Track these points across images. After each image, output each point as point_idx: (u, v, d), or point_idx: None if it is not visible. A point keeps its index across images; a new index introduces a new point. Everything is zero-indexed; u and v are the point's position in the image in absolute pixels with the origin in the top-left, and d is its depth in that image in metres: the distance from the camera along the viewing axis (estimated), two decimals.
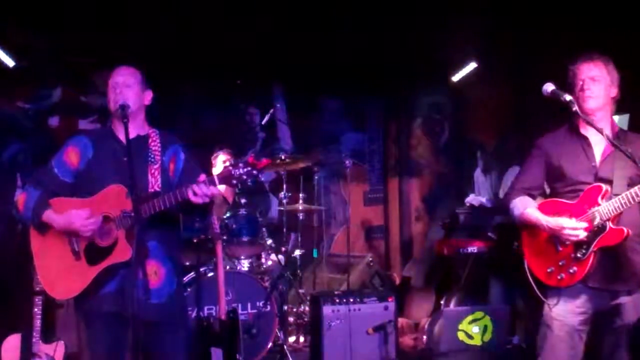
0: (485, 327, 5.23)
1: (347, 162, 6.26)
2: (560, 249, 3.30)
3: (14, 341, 4.55)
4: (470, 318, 5.22)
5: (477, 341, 5.22)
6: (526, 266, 3.43)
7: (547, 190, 3.59)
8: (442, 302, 6.18)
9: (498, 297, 5.86)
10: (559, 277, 3.29)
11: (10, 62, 6.28)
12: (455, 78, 7.37)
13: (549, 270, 3.33)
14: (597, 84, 3.30)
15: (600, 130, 3.19)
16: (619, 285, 3.29)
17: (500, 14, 5.62)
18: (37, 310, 4.50)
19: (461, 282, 6.12)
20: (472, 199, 6.64)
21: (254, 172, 2.94)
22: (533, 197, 3.52)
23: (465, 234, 6.28)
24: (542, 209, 3.40)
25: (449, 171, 8.07)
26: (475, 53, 6.89)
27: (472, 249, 5.98)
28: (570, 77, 3.39)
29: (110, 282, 3.14)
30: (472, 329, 5.22)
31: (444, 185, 8.06)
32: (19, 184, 6.44)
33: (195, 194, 2.97)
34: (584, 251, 3.23)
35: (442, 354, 5.12)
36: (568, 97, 3.21)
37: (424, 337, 5.61)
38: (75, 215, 3.08)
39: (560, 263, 3.29)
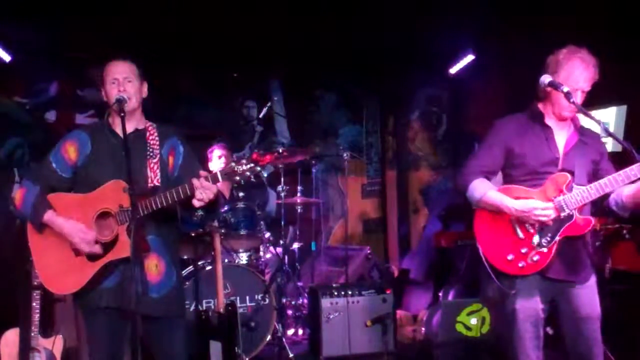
0: (484, 318, 5.24)
1: (344, 155, 6.26)
2: (522, 235, 3.25)
3: (12, 335, 4.55)
4: (468, 310, 5.22)
5: (475, 333, 5.23)
6: (481, 253, 3.32)
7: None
8: (440, 294, 6.20)
9: None
10: (520, 265, 3.24)
11: (6, 57, 6.27)
12: (453, 70, 7.37)
13: (508, 257, 3.25)
14: (582, 95, 3.29)
15: (597, 122, 3.19)
16: (572, 277, 3.29)
17: (497, 5, 5.61)
18: (35, 304, 4.49)
19: (459, 274, 6.13)
20: None
21: (257, 168, 2.92)
22: (488, 180, 3.41)
23: (463, 226, 6.28)
24: (505, 194, 3.31)
25: (446, 163, 8.08)
26: (473, 45, 6.89)
27: (470, 240, 5.98)
28: (556, 66, 3.30)
29: (110, 277, 3.13)
30: (470, 321, 5.23)
31: (442, 178, 8.07)
32: (16, 179, 6.44)
33: (198, 191, 2.96)
34: (548, 239, 3.21)
35: (440, 346, 5.13)
36: (565, 89, 3.20)
37: (422, 329, 5.63)
38: (74, 230, 3.09)
39: (522, 250, 3.24)
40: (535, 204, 3.19)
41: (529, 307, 3.28)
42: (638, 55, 4.61)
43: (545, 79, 3.29)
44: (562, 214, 3.21)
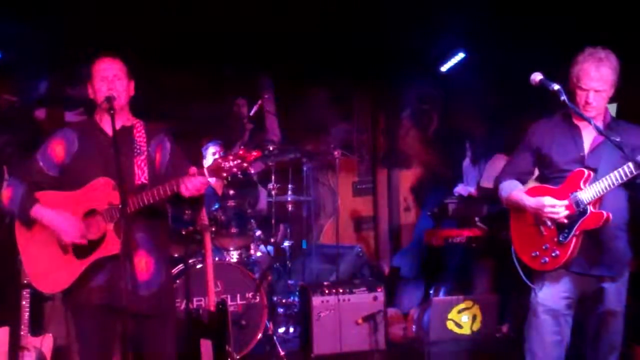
0: (475, 316, 5.25)
1: (335, 153, 6.25)
2: (545, 232, 3.35)
3: (1, 334, 4.52)
4: (459, 307, 5.23)
5: (466, 330, 5.24)
6: (512, 250, 3.50)
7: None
8: (431, 291, 6.20)
9: (483, 286, 5.89)
10: (542, 261, 3.35)
11: None
12: (444, 68, 7.37)
13: (533, 254, 3.39)
14: (599, 95, 3.30)
15: (588, 120, 3.21)
16: (602, 271, 3.34)
17: (488, 3, 5.61)
18: (25, 303, 4.47)
19: (450, 272, 6.13)
20: (460, 189, 6.65)
21: (245, 164, 2.91)
22: (523, 181, 3.58)
23: (454, 224, 6.29)
24: (529, 193, 3.45)
25: (437, 161, 8.08)
26: (463, 43, 6.89)
27: (461, 238, 5.99)
28: (573, 67, 3.35)
29: (99, 275, 3.12)
30: (462, 318, 5.24)
31: (433, 176, 8.07)
32: (5, 176, 6.40)
33: (186, 187, 2.95)
34: (566, 234, 3.27)
35: (431, 344, 5.14)
36: (556, 87, 3.21)
37: (413, 327, 5.63)
38: (62, 220, 3.08)
39: (544, 247, 3.34)
40: (546, 201, 3.28)
41: (551, 300, 3.38)
42: (628, 53, 4.62)
43: (536, 76, 3.30)
44: (578, 209, 3.25)
